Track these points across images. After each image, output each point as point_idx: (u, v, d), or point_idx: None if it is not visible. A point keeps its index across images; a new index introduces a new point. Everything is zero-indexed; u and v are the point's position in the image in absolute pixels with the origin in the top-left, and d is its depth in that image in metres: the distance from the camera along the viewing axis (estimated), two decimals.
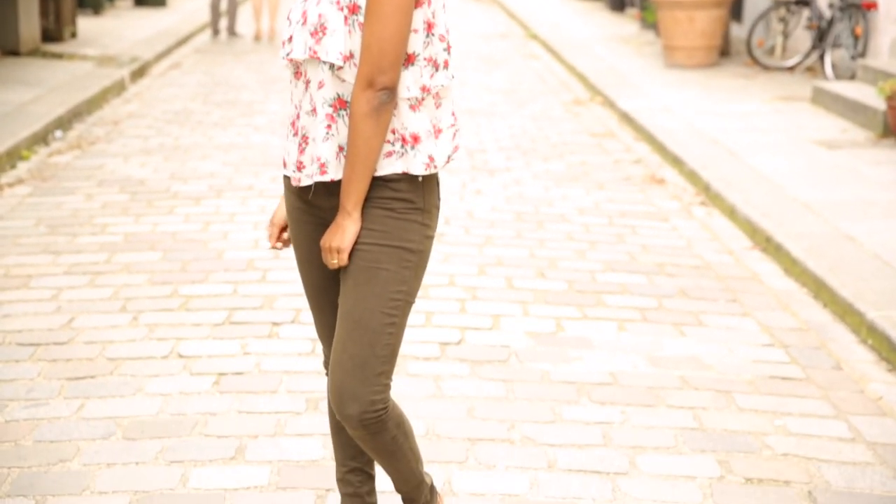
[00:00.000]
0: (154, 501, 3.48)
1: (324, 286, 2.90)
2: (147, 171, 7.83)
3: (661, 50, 12.91)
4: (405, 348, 4.51)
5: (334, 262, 2.73)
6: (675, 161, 8.23)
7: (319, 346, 4.73)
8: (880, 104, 8.79)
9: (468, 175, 7.87)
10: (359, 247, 2.71)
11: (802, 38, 12.25)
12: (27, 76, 10.65)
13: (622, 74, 11.93)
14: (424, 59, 2.67)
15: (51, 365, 4.50)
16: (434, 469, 3.70)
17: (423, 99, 2.69)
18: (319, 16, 2.63)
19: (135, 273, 5.65)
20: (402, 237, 2.73)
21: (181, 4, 18.00)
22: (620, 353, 4.75)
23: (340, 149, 2.68)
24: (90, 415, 4.06)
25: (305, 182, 2.74)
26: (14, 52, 11.65)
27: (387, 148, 2.68)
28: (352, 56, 2.63)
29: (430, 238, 2.79)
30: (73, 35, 13.40)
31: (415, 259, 2.75)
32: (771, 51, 12.54)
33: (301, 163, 2.75)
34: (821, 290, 5.48)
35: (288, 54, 2.72)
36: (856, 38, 10.73)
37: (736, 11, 13.69)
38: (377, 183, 2.69)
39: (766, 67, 12.24)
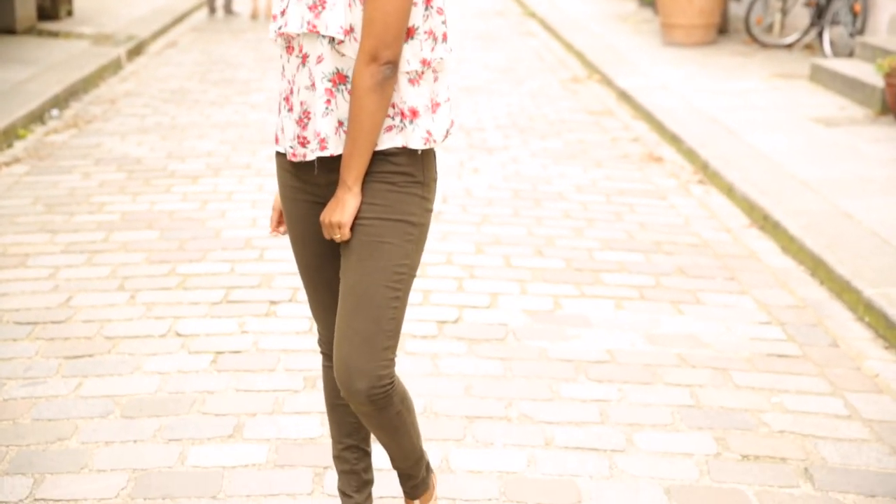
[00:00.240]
0: (152, 479, 3.48)
1: (318, 264, 2.89)
2: (144, 149, 7.82)
3: (659, 28, 12.86)
4: (403, 327, 4.50)
5: (336, 236, 2.72)
6: (673, 139, 8.22)
7: (317, 325, 4.73)
8: (879, 81, 8.78)
9: (466, 153, 7.86)
10: (361, 221, 2.70)
11: (801, 15, 12.21)
12: (23, 55, 10.61)
13: (620, 52, 11.90)
14: (424, 32, 2.66)
15: (48, 343, 4.50)
16: (432, 447, 3.70)
17: (422, 73, 2.69)
18: None
19: (132, 252, 5.64)
20: (404, 210, 2.72)
21: None
22: (618, 331, 4.76)
23: (340, 124, 2.67)
24: (88, 393, 4.07)
25: (309, 157, 2.72)
26: (10, 31, 11.61)
27: (386, 122, 2.67)
28: (352, 30, 2.61)
29: (430, 211, 2.80)
30: (69, 13, 13.34)
31: (416, 232, 2.75)
32: (769, 28, 12.50)
33: (305, 138, 2.71)
34: (818, 268, 5.48)
35: (280, 28, 2.69)
36: (854, 14, 10.70)
37: None
38: (377, 157, 2.69)
39: (764, 45, 12.20)
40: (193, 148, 7.88)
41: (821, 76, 9.97)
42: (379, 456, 3.31)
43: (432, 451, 3.68)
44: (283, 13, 2.69)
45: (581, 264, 5.60)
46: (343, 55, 2.64)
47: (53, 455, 3.62)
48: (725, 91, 9.80)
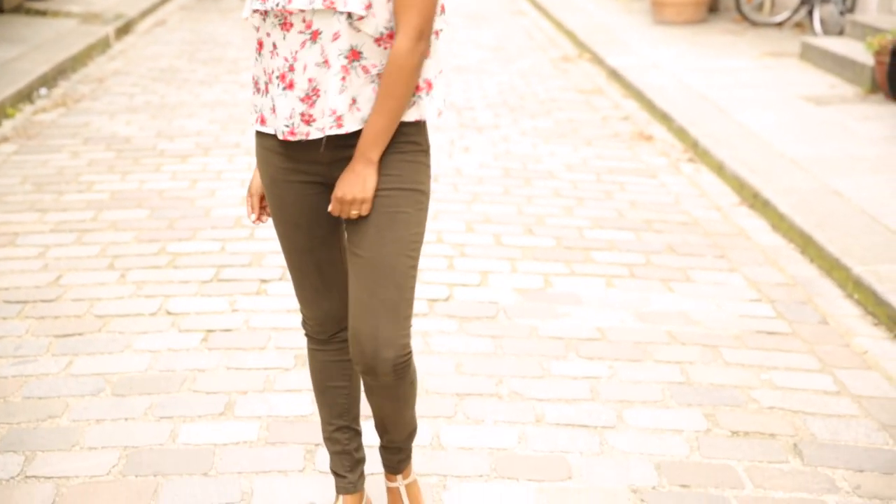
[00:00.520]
0: (143, 457, 3.49)
1: (310, 247, 2.86)
2: (133, 128, 7.79)
3: (649, 6, 12.84)
4: None
5: (354, 213, 2.70)
6: (664, 118, 8.22)
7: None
8: (868, 59, 8.78)
9: (456, 132, 7.85)
10: (379, 193, 2.71)
11: None
12: (10, 33, 10.55)
13: (610, 31, 11.88)
14: None
15: (38, 322, 4.49)
16: (423, 424, 3.71)
17: (432, 45, 2.70)
18: None
19: (122, 231, 5.63)
20: (415, 179, 2.75)
21: None
22: (608, 309, 4.77)
23: (353, 101, 2.65)
24: (79, 371, 4.06)
25: (315, 135, 2.67)
26: None
27: None
28: (370, 6, 2.59)
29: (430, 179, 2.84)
30: None
31: (425, 200, 2.79)
32: (759, 7, 12.49)
33: (311, 116, 2.66)
34: (808, 246, 5.50)
35: (278, 5, 2.61)
36: None
37: None
38: None
39: (754, 23, 12.20)
40: (183, 127, 7.85)
41: (811, 54, 9.97)
42: (367, 434, 3.31)
43: (423, 428, 3.69)
44: None
45: (571, 242, 5.61)
46: (359, 31, 2.61)
47: (44, 433, 3.62)
48: (716, 69, 9.80)
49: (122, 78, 9.62)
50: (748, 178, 6.44)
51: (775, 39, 11.35)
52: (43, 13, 11.90)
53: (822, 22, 10.94)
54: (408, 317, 2.76)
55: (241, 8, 13.89)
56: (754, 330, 4.59)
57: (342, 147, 2.70)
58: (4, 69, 8.97)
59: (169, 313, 4.61)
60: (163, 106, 8.53)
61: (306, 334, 3.03)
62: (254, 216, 2.94)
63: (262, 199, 2.94)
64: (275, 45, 2.68)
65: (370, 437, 3.28)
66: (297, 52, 2.64)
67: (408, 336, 2.77)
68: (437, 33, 2.70)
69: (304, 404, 3.83)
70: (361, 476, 3.10)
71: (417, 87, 2.69)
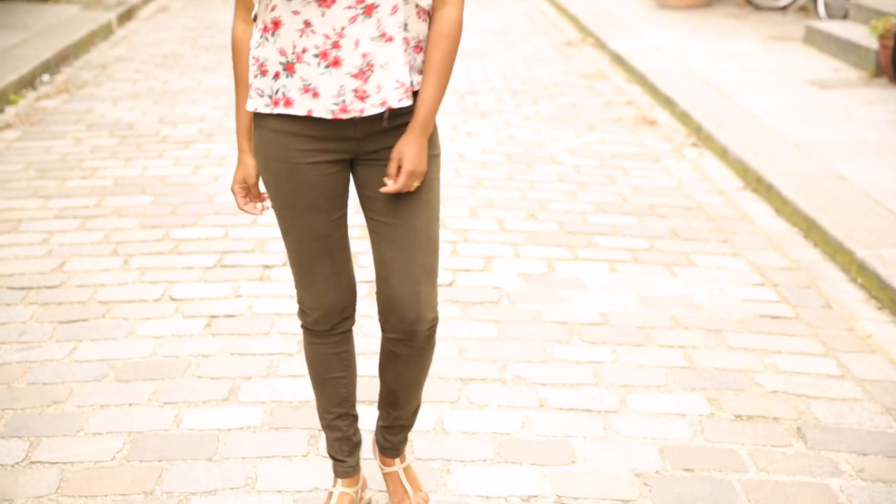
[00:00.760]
0: (148, 442, 3.49)
1: (326, 232, 2.83)
2: (136, 114, 7.78)
3: None
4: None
5: (416, 185, 2.74)
6: (667, 102, 8.20)
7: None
8: (872, 43, 8.75)
9: (459, 117, 7.84)
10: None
11: None
12: (13, 20, 10.53)
13: (613, 15, 11.84)
14: None
15: (43, 308, 4.50)
16: (426, 408, 3.72)
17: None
18: None
19: (125, 217, 5.63)
20: (434, 144, 2.81)
21: None
22: (611, 294, 4.77)
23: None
24: (83, 357, 4.07)
25: (372, 111, 2.65)
26: None
27: None
28: None
29: None
30: None
31: (439, 164, 2.85)
32: None
33: (364, 91, 2.64)
34: (812, 230, 5.49)
35: None
36: None
37: None
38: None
39: (757, 7, 12.15)
40: (185, 113, 7.85)
41: (815, 38, 9.94)
42: (363, 418, 3.32)
43: (427, 412, 3.69)
44: None
45: (575, 227, 5.61)
46: (407, 3, 2.64)
47: (49, 418, 3.63)
48: (719, 54, 9.77)
49: (125, 64, 9.61)
50: (751, 163, 6.42)
51: (779, 23, 11.32)
52: None
53: (826, 6, 10.90)
54: (437, 281, 2.88)
55: None
56: (758, 314, 4.59)
57: (377, 120, 2.70)
58: (7, 55, 8.96)
59: (172, 299, 4.61)
60: (165, 92, 8.53)
61: (304, 327, 2.98)
62: (260, 205, 2.89)
63: (255, 187, 2.88)
64: (307, 23, 2.61)
65: (364, 422, 3.29)
66: (344, 27, 2.60)
67: (437, 298, 2.87)
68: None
69: (307, 389, 3.83)
70: (358, 458, 3.13)
71: None
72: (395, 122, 2.73)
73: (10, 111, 7.82)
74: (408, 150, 2.71)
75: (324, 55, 2.62)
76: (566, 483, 3.32)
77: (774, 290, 4.85)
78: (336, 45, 2.61)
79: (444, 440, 3.55)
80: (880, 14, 9.17)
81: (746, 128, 7.20)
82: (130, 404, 3.74)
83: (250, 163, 2.82)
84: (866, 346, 4.33)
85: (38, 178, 6.27)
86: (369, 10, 2.59)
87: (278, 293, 4.69)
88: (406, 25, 2.64)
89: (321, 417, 3.09)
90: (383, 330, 2.92)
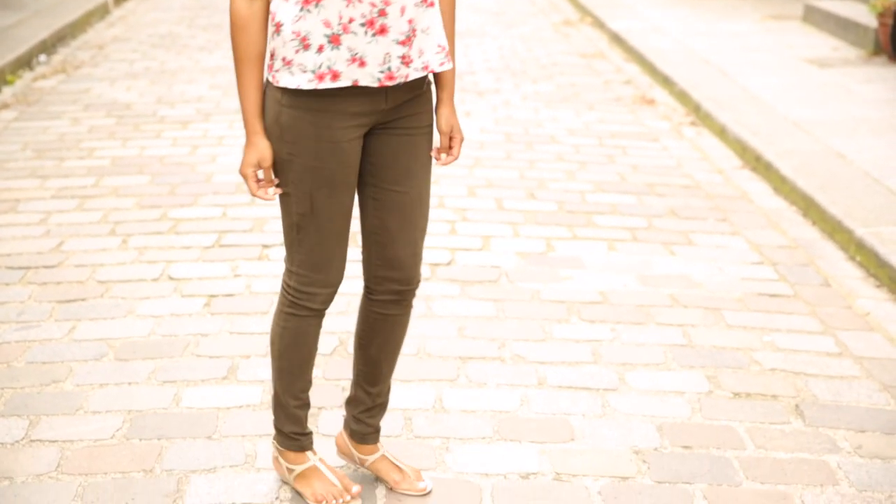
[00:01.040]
0: (147, 421, 3.50)
1: (349, 207, 2.84)
2: (133, 95, 7.76)
3: None
4: None
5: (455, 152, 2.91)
6: (666, 81, 8.18)
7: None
8: (871, 21, 8.73)
9: (457, 97, 7.80)
10: (429, 129, 2.88)
11: None
12: (8, 0, 10.49)
13: None
14: None
15: (41, 288, 4.50)
16: (425, 387, 3.73)
17: None
18: None
19: (123, 197, 5.62)
20: (432, 113, 2.92)
21: None
22: (610, 273, 4.77)
23: None
24: (82, 336, 4.07)
25: (416, 75, 2.73)
26: None
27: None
28: None
29: None
30: None
31: None
32: None
33: (408, 57, 2.68)
34: (810, 208, 5.49)
35: None
36: None
37: None
38: None
39: None
40: (183, 93, 7.83)
41: (814, 17, 9.91)
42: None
43: (426, 391, 3.70)
44: None
45: (573, 207, 5.60)
46: None
47: (48, 397, 3.63)
48: (718, 33, 9.75)
49: (122, 44, 9.58)
50: (750, 141, 6.42)
51: (778, 2, 11.28)
52: None
53: None
54: None
55: None
56: (756, 292, 4.59)
57: (404, 90, 2.76)
58: (3, 36, 8.93)
59: (171, 279, 4.61)
60: (163, 72, 8.50)
61: (303, 308, 2.91)
62: (272, 190, 2.80)
63: (271, 170, 2.79)
64: None
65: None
66: None
67: None
68: None
69: None
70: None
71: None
72: (417, 90, 2.80)
73: (7, 91, 7.80)
74: (455, 122, 2.90)
75: (370, 23, 2.62)
76: (565, 460, 3.33)
77: (773, 269, 4.85)
78: (382, 13, 2.62)
79: (443, 418, 3.55)
80: None
81: (745, 107, 7.19)
82: (130, 383, 3.74)
83: (264, 145, 2.74)
84: (864, 323, 4.33)
85: (35, 158, 6.26)
86: None
87: (277, 272, 4.68)
88: None
89: (292, 399, 3.02)
90: (375, 293, 2.97)
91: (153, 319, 4.22)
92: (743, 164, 6.37)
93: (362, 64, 2.65)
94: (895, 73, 8.05)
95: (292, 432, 3.07)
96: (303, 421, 3.09)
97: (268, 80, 2.76)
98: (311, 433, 3.12)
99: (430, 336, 4.12)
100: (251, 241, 5.03)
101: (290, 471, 3.08)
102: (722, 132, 6.84)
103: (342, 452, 3.21)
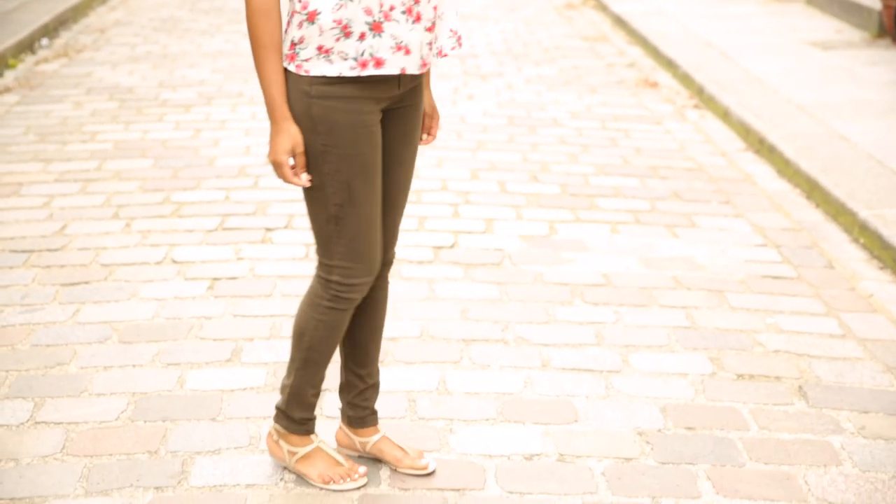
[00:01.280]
0: (152, 403, 3.51)
1: (381, 191, 2.88)
2: (135, 78, 7.75)
3: None
4: (399, 252, 4.51)
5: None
6: (669, 64, 8.16)
7: (313, 251, 4.72)
8: (875, 4, 8.70)
9: (460, 80, 7.81)
10: (421, 112, 2.96)
11: None
12: None
13: None
14: None
15: (45, 271, 4.50)
16: (429, 369, 3.73)
17: None
18: None
19: (126, 180, 5.62)
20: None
21: None
22: (613, 255, 4.77)
23: None
24: (86, 319, 4.08)
25: (432, 61, 2.78)
26: None
27: None
28: None
29: None
30: None
31: None
32: None
33: (433, 44, 2.76)
34: (814, 191, 5.48)
35: None
36: None
37: None
38: None
39: None
40: (185, 77, 7.82)
41: None
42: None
43: (430, 373, 3.71)
44: None
45: (576, 189, 5.60)
46: None
47: (53, 380, 3.64)
48: (721, 15, 9.72)
49: (124, 28, 9.56)
50: (754, 124, 6.40)
51: None
52: None
53: None
54: None
55: None
56: (760, 274, 4.59)
57: (414, 76, 2.81)
58: (5, 19, 8.91)
59: (174, 262, 4.61)
60: (165, 56, 8.49)
61: (346, 302, 2.88)
62: (305, 176, 2.76)
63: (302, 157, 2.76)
64: None
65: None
66: None
67: None
68: None
69: None
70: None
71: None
72: (421, 76, 2.86)
73: (10, 75, 7.79)
74: (434, 103, 3.00)
75: (409, 11, 2.66)
76: (568, 441, 3.34)
77: (776, 251, 4.85)
78: (416, 1, 2.67)
79: (446, 400, 3.56)
80: None
81: (748, 89, 7.18)
82: (134, 366, 3.75)
83: (296, 130, 2.71)
84: (868, 305, 4.33)
85: (38, 141, 6.26)
86: None
87: (280, 256, 4.69)
88: None
89: (311, 388, 3.02)
90: None
91: (157, 302, 4.23)
92: (746, 147, 6.36)
93: (408, 52, 2.69)
94: None
95: (302, 418, 3.07)
96: (314, 407, 3.09)
97: (288, 71, 2.70)
98: (315, 417, 3.12)
99: (434, 318, 4.12)
100: (254, 225, 5.03)
101: (293, 454, 3.08)
102: (725, 115, 6.83)
103: (342, 445, 3.21)
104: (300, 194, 5.56)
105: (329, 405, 3.48)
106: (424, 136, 3.01)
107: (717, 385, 3.69)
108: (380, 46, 2.65)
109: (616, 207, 5.35)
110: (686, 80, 7.71)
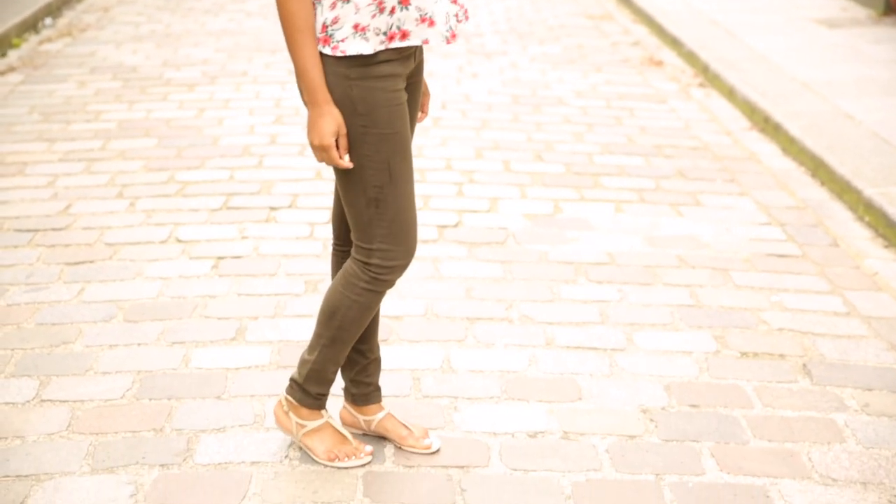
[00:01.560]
0: (157, 381, 3.52)
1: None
2: (139, 57, 7.74)
3: None
4: None
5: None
6: (674, 42, 8.13)
7: (317, 230, 4.74)
8: None
9: (464, 59, 7.78)
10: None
11: None
12: None
13: None
14: None
15: (49, 250, 4.51)
16: (434, 347, 3.74)
17: None
18: None
19: (130, 160, 5.62)
20: None
21: None
22: (618, 234, 4.76)
23: None
24: (91, 298, 4.08)
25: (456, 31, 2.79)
26: None
27: None
28: None
29: None
30: None
31: None
32: None
33: (458, 15, 2.77)
34: (819, 169, 5.47)
35: None
36: None
37: None
38: None
39: None
40: (189, 56, 7.80)
41: None
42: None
43: (434, 351, 3.71)
44: None
45: (581, 168, 5.59)
46: None
47: (58, 358, 3.65)
48: None
49: (127, 7, 9.54)
50: (759, 102, 6.39)
51: None
52: None
53: None
54: None
55: None
56: (764, 253, 4.59)
57: (422, 49, 2.84)
58: None
59: (179, 241, 4.61)
60: (168, 35, 8.47)
61: (385, 284, 2.87)
62: (347, 157, 2.73)
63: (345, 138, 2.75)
64: None
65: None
66: None
67: None
68: None
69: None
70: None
71: None
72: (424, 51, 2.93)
73: (13, 55, 7.78)
74: (425, 80, 2.97)
75: None
76: (573, 419, 3.34)
77: (781, 229, 4.84)
78: None
79: (451, 378, 3.56)
80: None
81: (754, 67, 7.15)
82: (139, 344, 3.76)
83: (338, 112, 2.69)
84: (873, 283, 4.33)
85: (42, 121, 6.25)
86: None
87: (284, 234, 4.69)
88: None
89: (334, 365, 3.01)
90: (349, 244, 3.01)
91: (161, 281, 4.23)
92: (751, 126, 6.34)
93: (432, 23, 2.68)
94: None
95: (318, 393, 3.07)
96: (332, 384, 3.09)
97: (323, 55, 2.67)
98: (329, 393, 3.12)
99: (438, 297, 4.12)
100: (259, 204, 5.03)
101: (301, 426, 3.09)
102: (730, 93, 6.81)
103: (347, 424, 3.21)
104: (304, 174, 5.61)
105: (337, 383, 3.49)
106: (419, 115, 3.01)
107: (721, 363, 3.69)
108: (406, 19, 2.66)
109: (620, 186, 5.34)
110: (691, 58, 7.68)
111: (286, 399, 3.10)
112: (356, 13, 2.63)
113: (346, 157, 2.72)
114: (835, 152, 5.48)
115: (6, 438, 3.19)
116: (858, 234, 4.81)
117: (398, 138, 2.75)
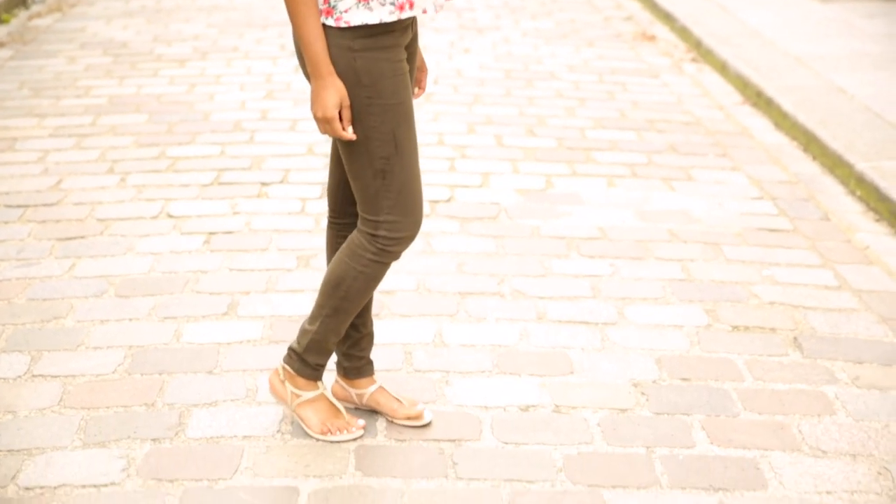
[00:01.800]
0: (149, 356, 3.51)
1: None
2: (129, 33, 7.70)
3: None
4: None
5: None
6: (667, 17, 8.11)
7: (309, 205, 4.74)
8: None
9: (456, 34, 7.76)
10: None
11: None
12: None
13: None
14: None
15: (40, 226, 4.50)
16: (425, 322, 3.74)
17: None
18: None
19: (121, 135, 5.60)
20: None
21: None
22: (610, 208, 4.76)
23: None
24: (82, 273, 4.08)
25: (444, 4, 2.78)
26: None
27: None
28: None
29: None
30: None
31: None
32: None
33: None
34: (811, 143, 5.47)
35: None
36: None
37: None
38: None
39: None
40: (179, 31, 7.76)
41: None
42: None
43: (426, 325, 3.71)
44: None
45: (573, 143, 5.58)
46: None
47: (50, 333, 3.64)
48: None
49: None
50: (751, 77, 6.38)
51: None
52: None
53: None
54: None
55: None
56: (756, 227, 4.59)
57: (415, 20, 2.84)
58: None
59: (170, 216, 4.60)
60: (159, 10, 8.43)
61: (392, 255, 2.87)
62: (350, 129, 2.73)
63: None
64: None
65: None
66: None
67: None
68: None
69: (306, 304, 3.84)
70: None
71: None
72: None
73: (3, 30, 7.73)
74: (422, 55, 2.99)
75: None
76: (564, 393, 3.35)
77: (773, 204, 4.85)
78: None
79: (442, 352, 3.57)
80: None
81: (746, 42, 7.14)
82: (130, 319, 3.75)
83: (341, 84, 2.68)
84: (864, 257, 4.34)
85: (32, 96, 6.22)
86: None
87: (276, 210, 4.68)
88: None
89: (335, 336, 3.01)
90: (345, 217, 3.02)
91: (153, 256, 4.23)
92: (744, 100, 6.34)
93: None
94: None
95: (317, 363, 3.08)
96: (331, 355, 3.10)
97: (326, 27, 2.67)
98: (326, 365, 3.13)
99: (430, 272, 4.12)
100: (250, 179, 5.02)
101: (296, 396, 3.09)
102: (723, 68, 6.80)
103: (339, 398, 3.22)
104: (296, 149, 5.60)
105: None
106: (416, 91, 2.99)
107: (713, 336, 3.70)
108: None
109: (612, 161, 5.34)
110: (684, 33, 7.66)
111: (283, 368, 3.10)
112: None
113: (350, 129, 2.72)
114: (827, 127, 5.48)
115: None
116: (850, 208, 4.82)
117: (403, 108, 2.75)
